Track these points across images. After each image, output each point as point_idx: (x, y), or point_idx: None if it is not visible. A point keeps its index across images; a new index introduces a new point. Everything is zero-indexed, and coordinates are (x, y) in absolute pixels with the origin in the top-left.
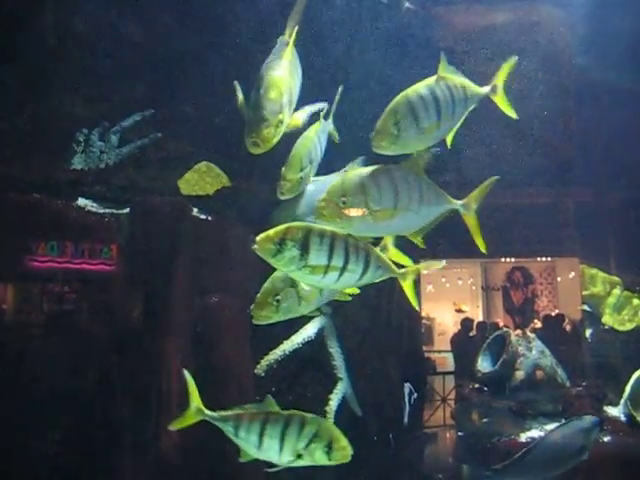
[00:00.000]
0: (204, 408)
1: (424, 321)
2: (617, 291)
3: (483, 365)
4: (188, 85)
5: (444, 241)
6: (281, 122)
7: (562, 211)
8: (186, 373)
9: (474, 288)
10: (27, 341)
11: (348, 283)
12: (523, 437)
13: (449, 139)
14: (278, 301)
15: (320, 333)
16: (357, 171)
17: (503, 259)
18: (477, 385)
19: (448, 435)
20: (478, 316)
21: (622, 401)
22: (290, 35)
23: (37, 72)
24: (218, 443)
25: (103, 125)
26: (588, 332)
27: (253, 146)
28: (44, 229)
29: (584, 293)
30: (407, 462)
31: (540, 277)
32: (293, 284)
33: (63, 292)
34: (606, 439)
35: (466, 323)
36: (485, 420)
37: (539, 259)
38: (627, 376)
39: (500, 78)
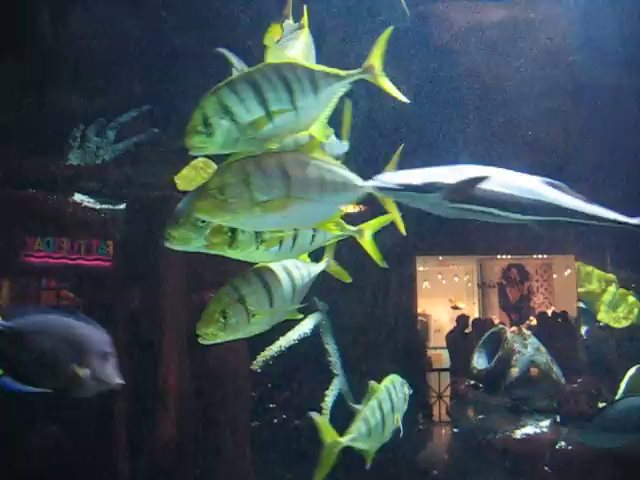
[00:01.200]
0: (339, 438)
1: (420, 318)
2: (612, 289)
3: (479, 362)
4: (185, 81)
5: (440, 238)
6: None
7: None
8: (315, 415)
9: (470, 285)
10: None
11: (304, 247)
12: (518, 433)
13: (344, 136)
14: (225, 317)
15: (316, 330)
16: (241, 158)
17: (499, 256)
18: (473, 382)
19: (444, 431)
20: (474, 313)
21: (617, 398)
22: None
23: (34, 68)
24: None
25: (100, 121)
26: (584, 329)
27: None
28: (40, 224)
29: (580, 290)
30: (403, 458)
31: (536, 274)
32: (241, 299)
33: (58, 287)
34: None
35: (462, 320)
36: (480, 417)
37: (535, 256)
38: (622, 373)
39: (375, 57)
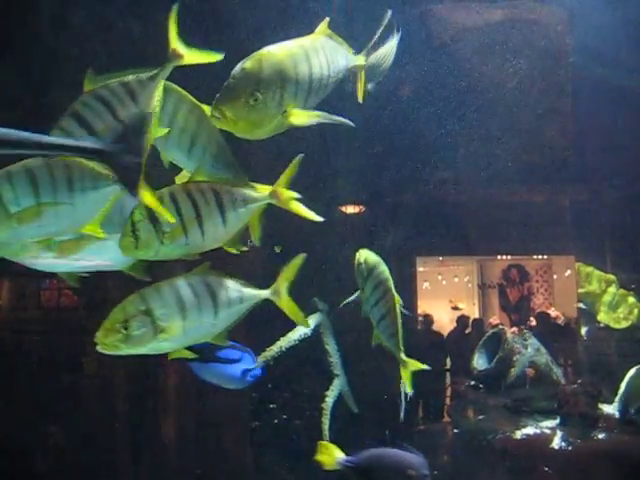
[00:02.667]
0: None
1: (420, 318)
2: (612, 289)
3: (479, 362)
4: (187, 82)
5: (440, 238)
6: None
7: (558, 209)
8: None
9: (470, 286)
10: (23, 337)
11: (217, 233)
12: (518, 434)
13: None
14: (127, 329)
15: (316, 330)
16: None
17: (499, 257)
18: (473, 382)
19: (444, 432)
20: (474, 313)
21: (617, 399)
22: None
23: (35, 67)
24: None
25: None
26: (584, 330)
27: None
28: None
29: (580, 291)
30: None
31: (536, 275)
32: (148, 311)
33: (59, 286)
34: (600, 436)
35: (462, 320)
36: (481, 417)
37: (535, 257)
38: (622, 374)
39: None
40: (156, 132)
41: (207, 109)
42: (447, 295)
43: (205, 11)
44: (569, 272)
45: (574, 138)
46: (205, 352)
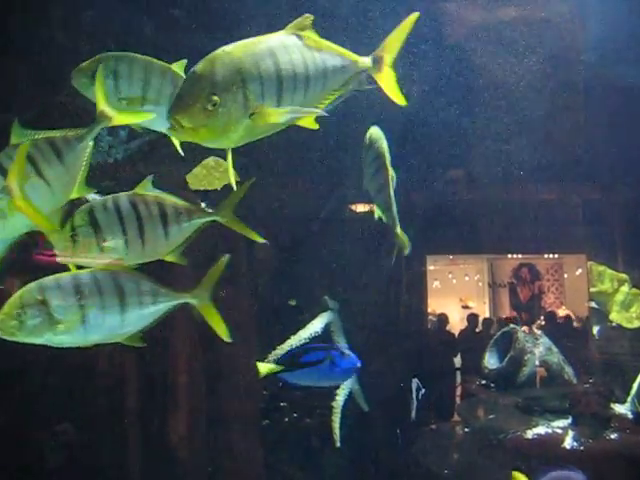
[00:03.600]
0: None
1: (430, 317)
2: (625, 288)
3: (490, 361)
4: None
5: (451, 237)
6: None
7: (570, 208)
8: None
9: (480, 284)
10: None
11: (158, 245)
12: (530, 434)
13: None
14: (21, 317)
15: (327, 328)
16: None
17: (510, 255)
18: (483, 381)
19: (454, 431)
20: (484, 312)
21: (629, 398)
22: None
23: (46, 66)
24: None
25: None
26: (595, 329)
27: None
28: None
29: (592, 290)
30: (414, 457)
31: (547, 274)
32: (44, 301)
33: None
34: (612, 436)
35: (472, 319)
36: (491, 416)
37: (546, 256)
38: (634, 373)
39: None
40: (81, 192)
41: None
42: (457, 294)
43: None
44: (580, 271)
45: (586, 136)
46: (290, 360)
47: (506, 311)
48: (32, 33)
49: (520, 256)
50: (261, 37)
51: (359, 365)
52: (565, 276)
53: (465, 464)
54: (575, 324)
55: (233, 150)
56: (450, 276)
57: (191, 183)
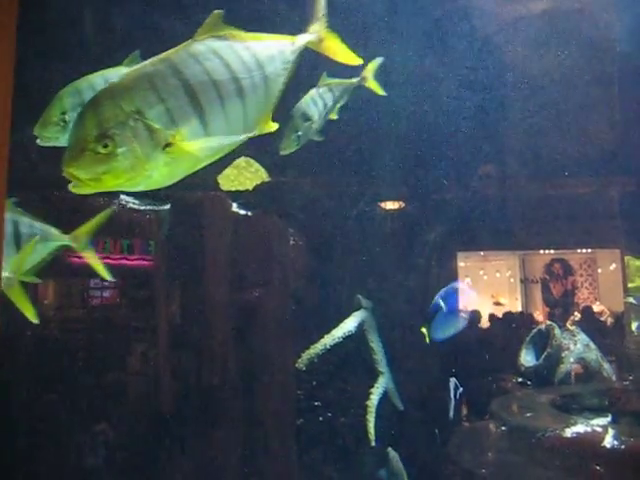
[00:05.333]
0: None
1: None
2: None
3: (527, 359)
4: None
5: (482, 233)
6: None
7: (603, 202)
8: None
9: (512, 280)
10: (69, 335)
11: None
12: (568, 432)
13: None
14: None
15: (361, 327)
16: None
17: (542, 251)
18: (520, 379)
19: (490, 429)
20: (517, 309)
21: None
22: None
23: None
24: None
25: None
26: (634, 325)
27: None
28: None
29: (630, 285)
30: (450, 456)
31: (580, 269)
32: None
33: (103, 288)
34: None
35: (507, 317)
36: (528, 414)
37: (579, 251)
38: None
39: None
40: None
41: None
42: (489, 290)
43: None
44: (614, 266)
45: (621, 129)
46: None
47: (539, 307)
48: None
49: (552, 251)
50: (163, 54)
51: None
52: (599, 271)
53: (502, 463)
54: (610, 320)
55: (265, 150)
56: (481, 272)
57: (222, 184)
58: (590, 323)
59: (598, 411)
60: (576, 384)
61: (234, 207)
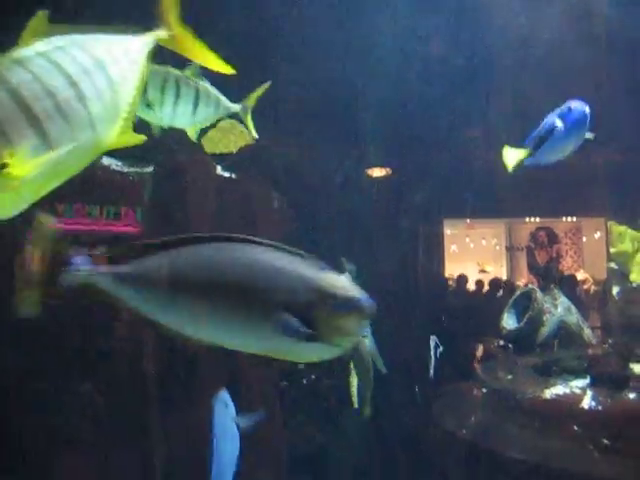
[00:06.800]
0: None
1: (449, 281)
2: None
3: (508, 322)
4: (211, 44)
5: (468, 201)
6: None
7: (588, 170)
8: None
9: (498, 248)
10: (55, 302)
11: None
12: (547, 394)
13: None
14: None
15: None
16: None
17: (527, 219)
18: (502, 342)
19: (472, 392)
20: (502, 276)
21: None
22: None
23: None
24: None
25: None
26: (615, 290)
27: None
28: (68, 188)
29: (612, 250)
30: (431, 417)
31: (565, 237)
32: None
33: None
34: (631, 396)
35: (494, 283)
36: (509, 377)
37: (564, 219)
38: None
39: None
40: None
41: None
42: (475, 258)
43: None
44: (599, 234)
45: (605, 96)
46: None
47: (523, 275)
48: None
49: (538, 220)
50: None
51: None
52: (584, 239)
53: (482, 424)
54: (593, 287)
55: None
56: (467, 240)
57: (206, 146)
58: (573, 290)
59: (577, 373)
60: (556, 347)
61: (218, 170)
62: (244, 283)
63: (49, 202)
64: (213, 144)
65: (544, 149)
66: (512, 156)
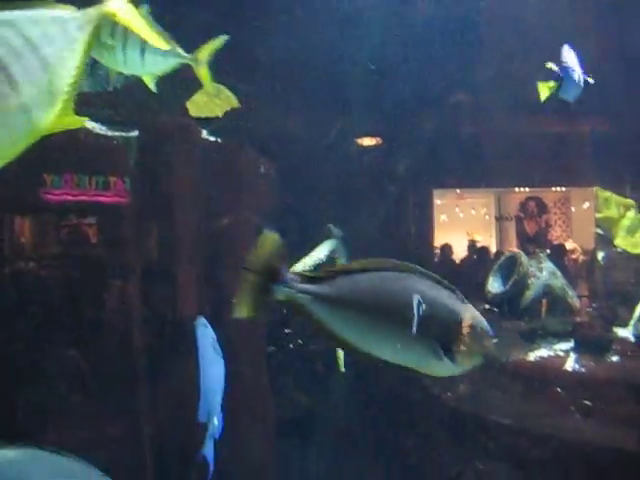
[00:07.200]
0: None
1: (437, 251)
2: (631, 214)
3: (494, 286)
4: (195, 5)
5: (458, 170)
6: None
7: (578, 140)
8: None
9: (487, 218)
10: (44, 273)
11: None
12: (532, 357)
13: None
14: None
15: (331, 255)
16: None
17: (517, 189)
18: (487, 306)
19: None
20: (491, 246)
21: (632, 322)
22: None
23: None
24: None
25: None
26: (600, 255)
27: None
28: (52, 153)
29: (597, 216)
30: (417, 381)
31: (554, 207)
32: None
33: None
34: (614, 359)
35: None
36: (494, 340)
37: (554, 189)
38: (638, 297)
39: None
40: None
41: None
42: (464, 228)
43: None
44: (587, 204)
45: (595, 65)
46: None
47: (512, 244)
48: None
49: (527, 189)
50: None
51: None
52: (572, 209)
53: (466, 387)
54: (582, 257)
55: (236, 77)
56: (457, 210)
57: (191, 110)
58: (561, 259)
59: (561, 337)
60: (541, 310)
61: (204, 134)
62: (411, 312)
63: (37, 173)
64: (198, 108)
65: (567, 85)
66: (544, 89)
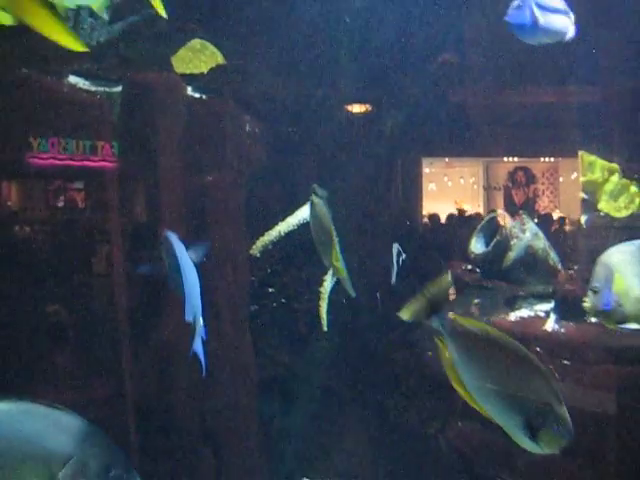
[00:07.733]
0: None
1: (425, 219)
2: (615, 178)
3: (476, 246)
4: None
5: (446, 139)
6: None
7: (566, 110)
8: None
9: (476, 187)
10: (31, 238)
11: None
12: (513, 316)
13: None
14: None
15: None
16: None
17: (505, 159)
18: (469, 266)
19: None
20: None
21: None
22: None
23: None
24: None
25: None
26: (583, 218)
27: None
28: (35, 106)
29: (581, 179)
30: (397, 336)
31: (542, 177)
32: None
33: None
34: (593, 320)
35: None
36: (476, 301)
37: (542, 159)
38: None
39: None
40: None
41: None
42: (453, 197)
43: None
44: (575, 175)
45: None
46: None
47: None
48: None
49: (516, 159)
50: None
51: None
52: (560, 180)
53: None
54: (569, 227)
55: (223, 34)
56: (445, 179)
57: (176, 66)
58: (549, 229)
59: (542, 298)
60: (523, 271)
61: (189, 90)
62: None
63: (24, 136)
64: (183, 64)
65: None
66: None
